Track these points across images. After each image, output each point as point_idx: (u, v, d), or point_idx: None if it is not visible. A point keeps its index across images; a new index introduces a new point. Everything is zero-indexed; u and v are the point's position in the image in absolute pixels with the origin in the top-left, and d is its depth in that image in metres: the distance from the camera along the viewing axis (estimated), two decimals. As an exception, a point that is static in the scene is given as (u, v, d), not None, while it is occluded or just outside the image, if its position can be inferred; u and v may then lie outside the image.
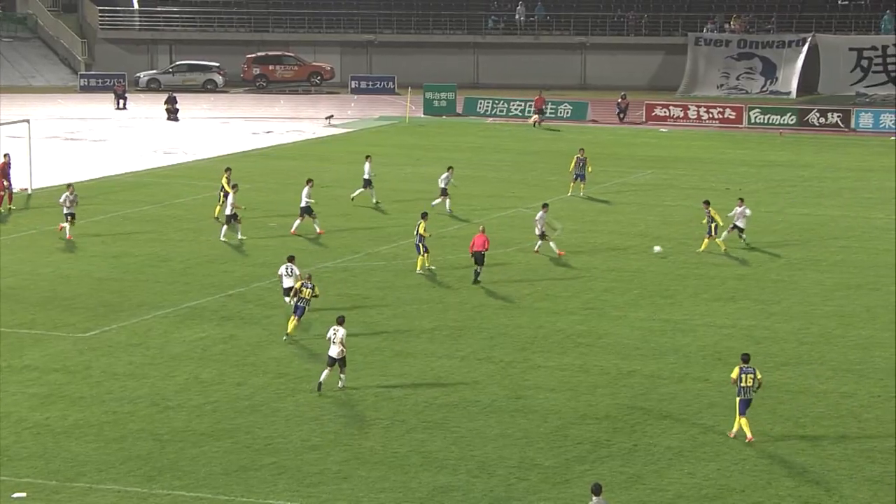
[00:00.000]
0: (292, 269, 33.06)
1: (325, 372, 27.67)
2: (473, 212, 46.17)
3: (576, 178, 49.25)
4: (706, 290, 36.37)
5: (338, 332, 27.49)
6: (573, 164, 49.14)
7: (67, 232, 40.73)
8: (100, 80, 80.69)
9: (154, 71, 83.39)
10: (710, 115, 72.04)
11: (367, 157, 47.47)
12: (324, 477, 23.36)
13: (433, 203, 45.57)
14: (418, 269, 37.07)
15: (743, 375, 25.14)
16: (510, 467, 23.95)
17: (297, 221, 41.95)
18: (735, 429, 25.37)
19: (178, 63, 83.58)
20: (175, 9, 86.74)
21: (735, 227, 40.81)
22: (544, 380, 28.65)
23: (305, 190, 42.00)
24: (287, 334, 31.10)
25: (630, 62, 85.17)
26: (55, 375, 28.27)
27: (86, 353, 29.90)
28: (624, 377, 28.97)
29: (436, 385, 28.20)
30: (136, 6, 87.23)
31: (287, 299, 32.87)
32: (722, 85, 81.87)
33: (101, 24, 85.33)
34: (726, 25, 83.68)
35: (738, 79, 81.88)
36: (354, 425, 25.79)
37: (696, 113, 72.45)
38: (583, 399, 27.51)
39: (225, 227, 40.79)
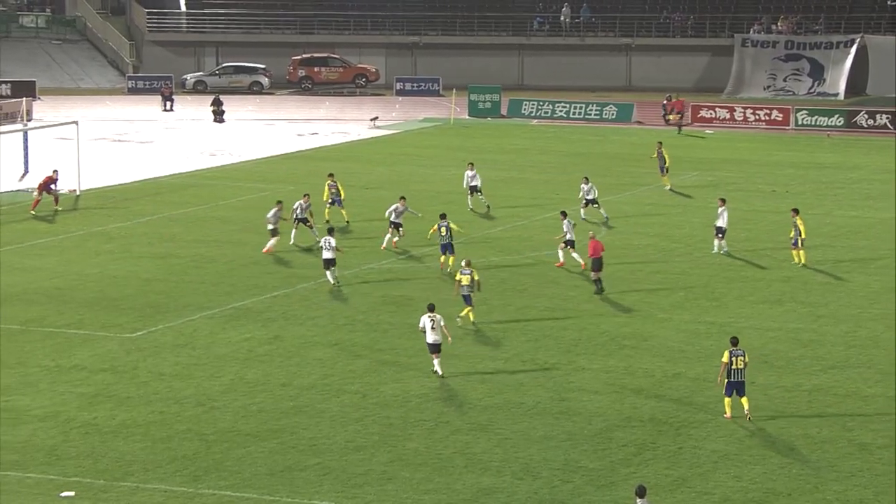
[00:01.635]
0: (330, 241, 35.20)
1: (436, 359, 28.46)
2: (518, 214, 46.13)
3: (663, 172, 50.31)
4: (752, 292, 36.15)
5: (435, 318, 28.30)
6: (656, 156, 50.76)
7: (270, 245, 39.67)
8: (147, 82, 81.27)
9: (200, 73, 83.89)
10: (757, 117, 71.61)
11: (470, 163, 46.98)
12: (368, 478, 23.41)
13: (479, 206, 45.70)
14: (449, 268, 37.24)
15: (733, 358, 25.96)
16: (555, 469, 23.91)
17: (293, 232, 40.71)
18: (728, 411, 26.11)
19: (224, 65, 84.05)
20: (221, 11, 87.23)
21: (717, 228, 40.21)
22: (589, 382, 28.58)
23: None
24: (460, 316, 32.08)
25: (676, 63, 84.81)
26: (103, 375, 28.49)
27: (133, 353, 30.12)
28: (669, 380, 28.84)
29: (480, 387, 28.19)
30: (183, 8, 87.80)
31: (328, 273, 35.31)
32: (769, 86, 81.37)
33: (148, 27, 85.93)
34: (773, 26, 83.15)
35: (785, 80, 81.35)
36: (398, 427, 25.82)
37: (742, 114, 72.03)
38: (628, 401, 27.42)
39: (295, 230, 40.71)
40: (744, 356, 26.10)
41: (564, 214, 38.57)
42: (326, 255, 35.78)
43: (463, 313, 32.52)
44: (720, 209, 40.36)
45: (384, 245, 39.78)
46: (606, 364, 29.84)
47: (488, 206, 46.14)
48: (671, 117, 68.63)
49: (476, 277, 32.36)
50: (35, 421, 25.66)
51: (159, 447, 24.52)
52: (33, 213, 44.98)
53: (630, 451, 24.81)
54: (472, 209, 45.44)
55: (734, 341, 26.45)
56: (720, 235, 40.29)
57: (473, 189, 46.38)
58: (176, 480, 23.11)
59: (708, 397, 27.62)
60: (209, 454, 24.27)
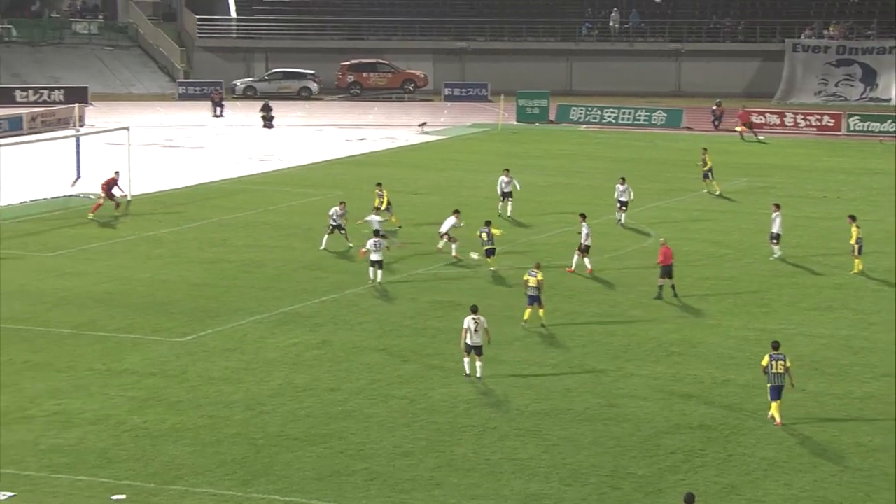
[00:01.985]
0: (379, 243, 36.00)
1: (467, 360, 28.59)
2: (566, 219, 46.02)
3: (706, 177, 50.49)
4: (803, 299, 35.87)
5: (480, 321, 28.43)
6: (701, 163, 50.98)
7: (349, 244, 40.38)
8: (197, 88, 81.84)
9: (250, 79, 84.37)
10: (808, 123, 71.10)
11: (505, 170, 47.02)
12: (416, 483, 23.42)
13: (506, 213, 45.53)
14: (492, 267, 37.69)
15: (773, 362, 25.99)
16: (603, 476, 23.82)
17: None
18: (770, 412, 26.09)
19: (273, 71, 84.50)
20: (271, 17, 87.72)
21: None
22: (637, 388, 28.46)
23: None
24: (525, 321, 32.46)
25: (726, 69, 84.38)
26: (153, 379, 28.69)
27: (183, 357, 30.31)
28: (718, 386, 28.67)
29: (528, 393, 28.15)
30: (233, 15, 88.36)
31: (371, 270, 35.81)
32: (820, 92, 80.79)
33: (199, 33, 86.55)
34: (825, 31, 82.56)
35: (836, 85, 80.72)
36: (446, 432, 25.82)
37: (792, 120, 71.54)
38: (676, 408, 27.28)
39: (328, 236, 40.93)
40: (784, 360, 26.05)
41: (584, 217, 38.63)
42: (375, 256, 36.23)
43: (526, 316, 32.67)
44: (774, 214, 40.14)
45: (455, 252, 39.46)
46: (655, 370, 29.70)
47: (510, 216, 45.83)
48: (740, 129, 68.01)
49: (541, 278, 32.63)
50: (86, 424, 25.88)
51: (209, 451, 24.65)
52: (92, 216, 45.31)
53: (679, 457, 24.68)
54: (500, 215, 45.33)
55: (775, 345, 26.53)
56: (775, 241, 40.04)
57: (506, 195, 46.25)
58: (225, 484, 23.22)
59: (758, 404, 27.42)
60: (258, 458, 24.37)
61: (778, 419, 26.15)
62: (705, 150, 52.39)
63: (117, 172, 46.81)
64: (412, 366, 29.83)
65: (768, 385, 26.12)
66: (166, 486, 23.05)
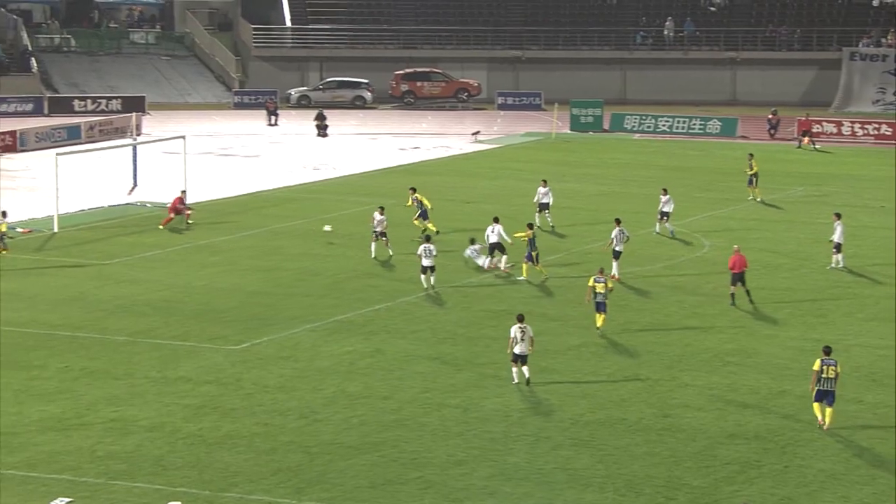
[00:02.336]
0: (430, 249, 36.33)
1: (515, 369, 28.71)
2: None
3: (750, 183, 50.44)
4: (860, 309, 35.51)
5: (526, 330, 28.54)
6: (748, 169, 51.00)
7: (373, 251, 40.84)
8: (252, 97, 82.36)
9: (305, 88, 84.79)
10: (865, 132, 70.42)
11: (543, 180, 47.03)
12: (469, 492, 23.39)
13: (546, 224, 45.54)
14: (543, 275, 37.72)
15: (824, 367, 26.12)
16: (658, 486, 23.68)
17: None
18: (819, 416, 26.26)
19: (328, 80, 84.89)
20: (326, 27, 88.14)
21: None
22: (692, 398, 28.29)
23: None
24: (598, 328, 32.78)
25: (781, 77, 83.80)
26: (208, 387, 28.86)
27: (237, 365, 30.47)
28: (774, 397, 28.44)
29: (582, 402, 28.05)
30: (288, 24, 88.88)
31: (423, 277, 35.88)
32: (878, 101, 79.99)
33: (254, 43, 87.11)
34: (883, 40, 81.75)
35: (894, 94, 79.89)
36: (500, 441, 25.78)
37: (850, 129, 70.90)
38: (731, 418, 27.08)
39: (374, 243, 41.09)
40: (835, 366, 26.16)
41: (618, 222, 38.70)
42: (426, 262, 36.51)
43: (599, 322, 32.90)
44: (835, 224, 39.84)
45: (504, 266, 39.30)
46: (710, 380, 29.50)
47: (552, 226, 45.64)
48: (804, 140, 67.54)
49: (610, 286, 33.02)
50: (142, 431, 26.07)
51: (263, 459, 24.76)
52: (162, 227, 45.72)
53: (734, 468, 24.49)
54: (539, 226, 45.06)
55: (826, 350, 26.59)
56: (836, 250, 39.73)
57: (543, 206, 46.05)
58: (279, 492, 23.30)
59: (814, 416, 27.15)
60: (312, 466, 24.45)
61: (820, 420, 26.26)
62: (751, 155, 52.15)
63: (184, 192, 47.14)
64: (465, 374, 29.82)
65: (815, 388, 26.24)
66: (221, 494, 23.17)
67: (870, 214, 48.85)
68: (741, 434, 26.20)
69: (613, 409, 27.56)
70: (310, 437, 25.88)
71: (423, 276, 36.85)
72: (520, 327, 28.69)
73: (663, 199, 44.91)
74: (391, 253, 40.69)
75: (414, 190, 44.97)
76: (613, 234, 38.43)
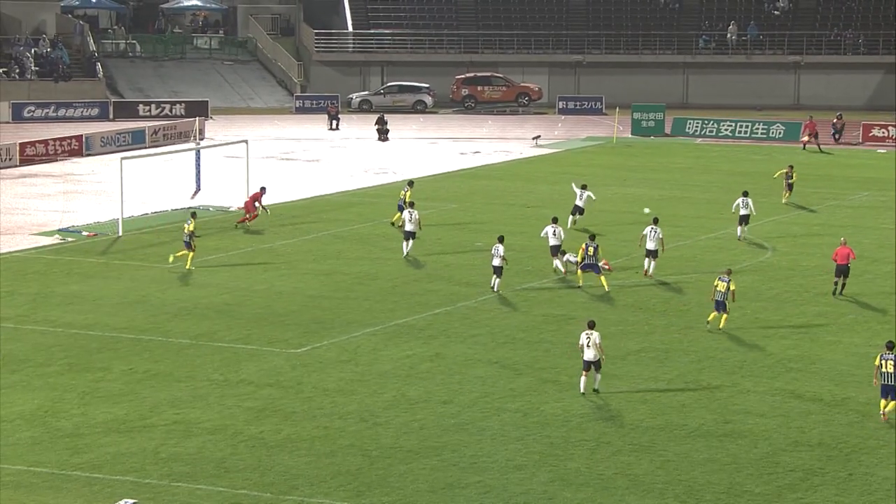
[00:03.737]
0: (499, 248, 36.79)
1: (583, 378, 28.59)
2: (680, 233, 45.62)
3: (789, 188, 50.54)
4: (926, 316, 35.07)
5: (591, 336, 28.48)
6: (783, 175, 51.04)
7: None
8: (314, 102, 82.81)
9: (366, 92, 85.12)
10: (931, 135, 69.52)
11: (583, 185, 47.09)
12: (529, 497, 23.36)
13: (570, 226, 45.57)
14: (580, 283, 37.58)
15: (883, 361, 26.67)
16: (719, 493, 23.53)
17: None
18: (882, 409, 26.69)
19: (389, 84, 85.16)
20: (387, 31, 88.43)
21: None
22: (754, 405, 28.07)
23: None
24: (708, 321, 33.35)
25: (846, 81, 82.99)
26: (269, 390, 29.05)
27: (298, 368, 30.64)
28: (838, 404, 28.16)
29: (642, 407, 27.93)
30: (350, 29, 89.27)
31: (493, 279, 36.92)
32: (943, 104, 79.00)
33: (316, 48, 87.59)
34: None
35: (960, 97, 78.89)
36: (560, 446, 25.72)
37: (914, 133, 70.01)
38: (794, 425, 26.84)
39: (406, 242, 41.56)
40: (894, 361, 26.52)
41: (656, 221, 39.25)
42: (495, 262, 36.81)
43: (711, 317, 33.16)
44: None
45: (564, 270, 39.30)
46: (772, 386, 29.27)
47: (574, 227, 45.57)
48: (805, 139, 67.28)
49: (732, 287, 33.15)
50: (205, 434, 26.28)
51: (323, 462, 24.87)
52: (239, 226, 46.32)
53: (797, 476, 24.28)
54: (571, 228, 44.97)
55: (889, 346, 26.90)
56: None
57: (577, 210, 46.21)
58: (340, 495, 23.40)
59: (879, 423, 26.87)
60: (372, 470, 24.53)
61: (884, 417, 26.63)
62: (792, 167, 51.79)
63: (263, 188, 47.48)
64: (525, 379, 29.79)
65: (880, 384, 26.76)
66: (282, 496, 23.30)
67: (936, 220, 48.24)
68: (804, 441, 25.96)
69: (674, 415, 27.41)
70: (370, 440, 25.97)
71: (493, 278, 37.16)
72: (586, 334, 28.63)
73: (740, 201, 44.46)
74: (406, 252, 41.30)
75: (411, 184, 45.93)
76: (645, 232, 38.96)
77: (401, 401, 28.32)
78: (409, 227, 41.78)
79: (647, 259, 39.01)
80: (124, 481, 23.80)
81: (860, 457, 25.16)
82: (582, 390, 28.64)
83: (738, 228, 44.54)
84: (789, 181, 51.03)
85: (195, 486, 23.67)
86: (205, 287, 38.23)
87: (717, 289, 33.14)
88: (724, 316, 33.22)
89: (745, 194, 44.72)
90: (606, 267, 38.51)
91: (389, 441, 25.93)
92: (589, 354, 28.48)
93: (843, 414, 27.54)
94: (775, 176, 52.38)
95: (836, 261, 36.81)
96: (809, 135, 67.25)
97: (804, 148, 66.71)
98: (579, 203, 46.40)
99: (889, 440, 25.97)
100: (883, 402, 26.86)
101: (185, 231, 40.39)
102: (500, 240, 37.59)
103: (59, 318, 34.79)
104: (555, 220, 39.77)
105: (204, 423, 26.83)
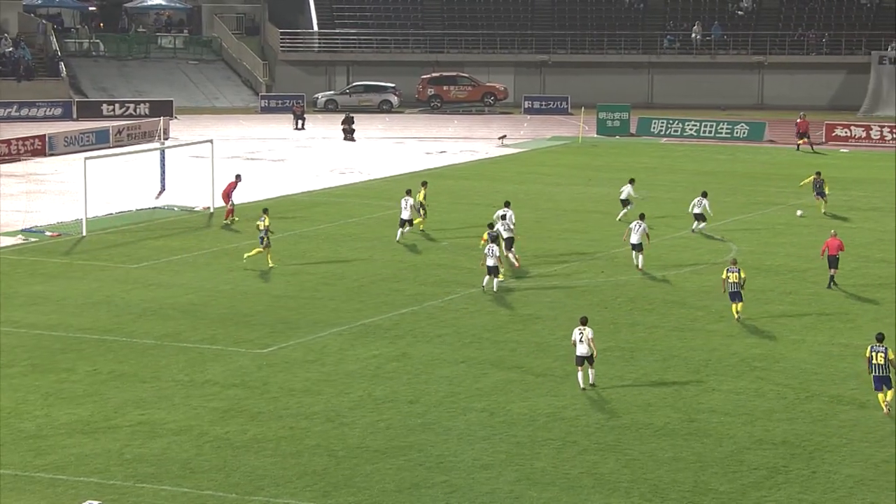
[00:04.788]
0: (493, 249, 36.73)
1: (579, 374, 28.97)
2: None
3: (817, 196, 49.96)
4: (888, 314, 35.32)
5: (584, 332, 28.86)
6: (810, 183, 50.33)
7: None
8: (279, 101, 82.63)
9: (331, 92, 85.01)
10: (894, 136, 70.06)
11: (631, 180, 48.10)
12: (495, 497, 23.39)
13: (618, 217, 46.56)
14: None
15: (874, 353, 27.13)
16: (684, 492, 23.63)
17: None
18: (882, 402, 27.11)
19: (354, 84, 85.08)
20: (353, 31, 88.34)
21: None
22: (719, 403, 28.21)
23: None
24: (738, 315, 34.07)
25: (809, 82, 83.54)
26: (234, 390, 28.95)
27: (264, 368, 30.56)
28: (802, 402, 28.33)
29: (608, 406, 28.02)
30: (315, 28, 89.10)
31: (486, 278, 36.85)
32: (906, 104, 79.61)
33: (281, 47, 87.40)
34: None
35: (923, 98, 79.55)
36: (526, 445, 25.77)
37: (878, 133, 70.59)
38: (759, 424, 26.99)
39: (402, 229, 42.30)
40: (885, 353, 27.01)
41: (642, 217, 39.99)
42: (490, 262, 36.90)
43: (735, 310, 33.97)
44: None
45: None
46: (737, 385, 29.42)
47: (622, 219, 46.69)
48: (800, 142, 67.39)
49: (743, 276, 33.94)
50: (170, 434, 26.17)
51: (290, 462, 24.82)
52: (226, 221, 46.23)
53: (762, 474, 24.41)
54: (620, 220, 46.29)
55: (879, 337, 27.53)
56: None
57: (625, 203, 47.31)
58: (306, 496, 23.35)
59: (843, 420, 27.07)
60: (338, 470, 24.49)
61: (886, 409, 27.09)
62: (819, 174, 50.91)
63: (238, 176, 47.46)
64: (491, 378, 29.83)
65: (871, 376, 27.25)
66: (248, 497, 23.23)
67: (898, 219, 48.60)
68: (768, 439, 26.10)
69: (639, 414, 27.51)
70: (336, 440, 25.94)
71: (486, 278, 37.12)
72: (579, 329, 29.13)
73: (696, 201, 45.26)
74: (398, 239, 42.38)
75: (425, 184, 46.11)
76: (631, 226, 39.64)
77: (367, 401, 28.30)
78: (405, 214, 43.05)
79: (634, 254, 39.55)
80: (88, 482, 23.67)
81: (823, 455, 25.33)
82: (581, 386, 28.91)
83: (694, 224, 45.45)
84: (819, 189, 49.25)
85: (160, 487, 23.57)
86: (169, 287, 38.07)
87: (729, 280, 33.99)
88: (740, 304, 34.17)
89: (704, 195, 45.21)
90: (516, 264, 38.93)
91: (356, 441, 25.90)
92: (582, 350, 28.93)
93: (806, 412, 27.71)
94: (801, 185, 51.87)
95: (826, 252, 37.61)
96: (801, 134, 67.29)
97: (798, 149, 66.78)
98: (623, 197, 47.44)
99: (852, 438, 26.16)
100: (880, 395, 27.20)
101: (260, 227, 40.19)
102: (494, 239, 37.68)
103: (22, 318, 34.56)
104: (507, 204, 40.62)
105: (169, 424, 26.72)
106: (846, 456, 25.26)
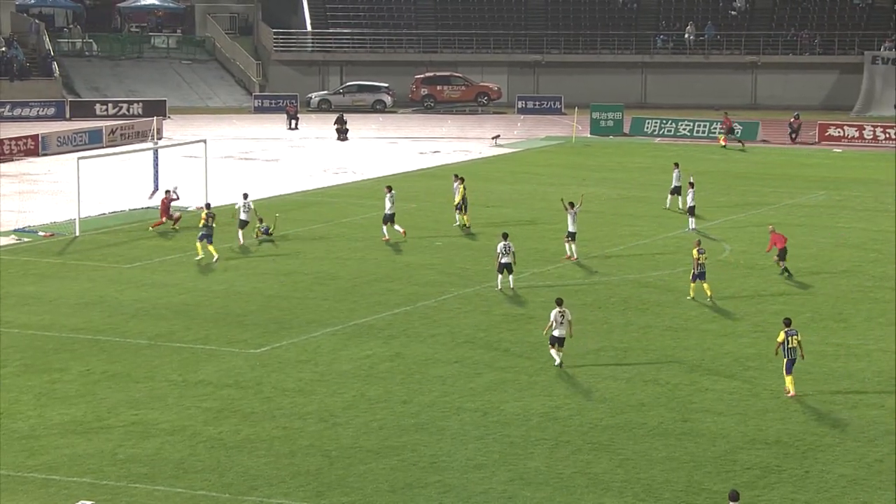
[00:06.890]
0: (509, 246, 36.79)
1: (554, 351, 29.87)
2: (639, 232, 45.80)
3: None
4: (881, 314, 35.38)
5: (565, 314, 29.57)
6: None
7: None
8: (273, 101, 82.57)
9: (325, 92, 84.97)
10: (887, 136, 70.19)
11: (676, 164, 49.33)
12: (489, 497, 23.40)
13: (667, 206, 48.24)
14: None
15: (788, 338, 28.32)
16: (677, 491, 23.65)
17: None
18: (787, 386, 28.28)
19: (348, 84, 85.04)
20: (346, 31, 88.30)
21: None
22: (712, 403, 28.24)
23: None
24: (709, 297, 35.44)
25: (803, 81, 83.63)
26: (228, 390, 28.94)
27: (257, 368, 30.54)
28: (794, 402, 28.36)
29: (601, 406, 28.03)
30: (309, 28, 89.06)
31: (500, 277, 36.87)
32: (899, 104, 79.70)
33: (275, 47, 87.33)
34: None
35: (917, 98, 79.64)
36: (519, 445, 25.78)
37: (871, 133, 70.68)
38: (752, 423, 27.02)
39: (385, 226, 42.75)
40: (797, 335, 28.33)
41: (571, 205, 40.49)
42: (505, 259, 36.84)
43: (692, 292, 35.80)
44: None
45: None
46: (730, 385, 29.44)
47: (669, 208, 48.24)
48: (720, 136, 68.37)
49: (706, 257, 36.05)
50: (163, 434, 26.16)
51: (283, 462, 24.81)
52: (152, 230, 45.96)
53: (755, 473, 24.44)
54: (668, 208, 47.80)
55: (787, 322, 28.74)
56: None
57: (675, 190, 48.56)
58: (299, 496, 23.34)
59: (836, 420, 27.11)
60: (332, 470, 24.49)
61: (792, 391, 28.19)
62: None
63: (169, 191, 47.05)
64: (484, 378, 29.83)
65: (784, 360, 28.35)
66: (241, 497, 23.22)
67: (890, 219, 48.63)
68: (761, 439, 26.13)
69: (633, 414, 27.53)
70: (329, 440, 25.93)
71: (500, 276, 37.08)
72: (559, 311, 29.61)
73: (690, 192, 46.27)
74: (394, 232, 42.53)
75: (461, 180, 46.36)
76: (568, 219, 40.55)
77: (360, 401, 28.29)
78: (388, 209, 43.62)
79: (567, 243, 40.77)
80: (81, 483, 23.65)
81: (816, 454, 25.36)
82: (557, 362, 29.87)
83: (669, 198, 47.84)
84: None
85: (153, 487, 23.55)
86: (163, 287, 38.03)
87: (699, 261, 35.61)
88: (705, 285, 35.52)
89: (676, 165, 48.07)
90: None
91: (349, 441, 25.90)
92: (560, 331, 29.61)
93: (799, 412, 27.75)
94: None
95: (776, 246, 39.12)
96: (725, 132, 68.28)
97: (724, 147, 67.65)
98: (676, 183, 48.31)
99: (844, 438, 26.19)
100: (788, 378, 28.28)
101: (203, 222, 41.06)
102: (505, 236, 37.50)
103: (14, 318, 34.52)
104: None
105: (162, 424, 26.70)
106: (839, 455, 25.29)
